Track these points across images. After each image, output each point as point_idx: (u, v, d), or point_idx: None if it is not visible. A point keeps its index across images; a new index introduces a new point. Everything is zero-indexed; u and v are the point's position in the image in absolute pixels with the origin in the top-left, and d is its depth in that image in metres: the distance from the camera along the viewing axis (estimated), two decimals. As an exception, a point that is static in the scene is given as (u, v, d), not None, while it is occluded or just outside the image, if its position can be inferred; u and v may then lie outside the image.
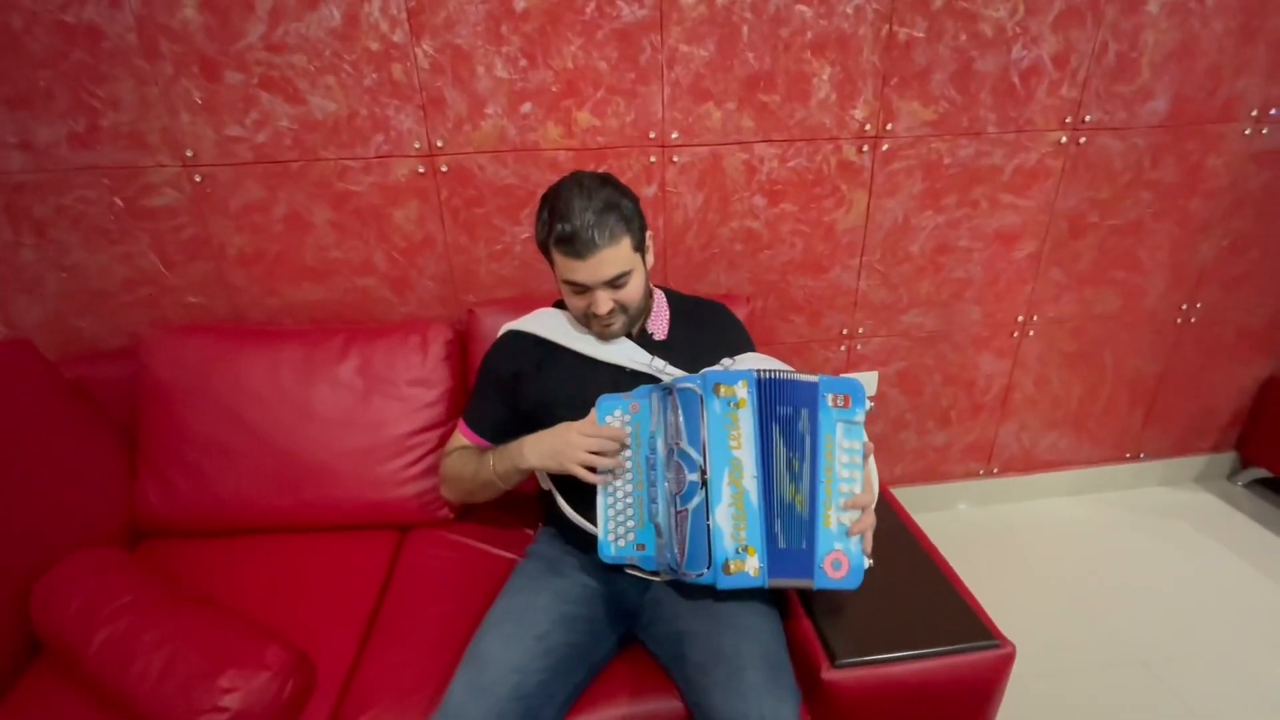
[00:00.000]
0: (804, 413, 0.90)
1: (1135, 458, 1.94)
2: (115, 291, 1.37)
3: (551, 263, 1.01)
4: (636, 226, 0.99)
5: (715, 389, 0.89)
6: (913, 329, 1.66)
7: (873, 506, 0.92)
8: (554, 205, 0.96)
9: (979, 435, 1.83)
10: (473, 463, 1.10)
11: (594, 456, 0.96)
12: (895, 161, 1.46)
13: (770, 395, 0.90)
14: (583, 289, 0.99)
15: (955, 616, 0.97)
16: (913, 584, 1.03)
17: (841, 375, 0.93)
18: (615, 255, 0.96)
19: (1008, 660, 0.93)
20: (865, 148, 1.44)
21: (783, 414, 0.90)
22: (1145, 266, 1.67)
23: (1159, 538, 1.79)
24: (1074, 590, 1.63)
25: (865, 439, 0.92)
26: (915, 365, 1.70)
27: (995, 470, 1.89)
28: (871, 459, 0.95)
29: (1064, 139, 1.49)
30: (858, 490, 0.91)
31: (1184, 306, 1.74)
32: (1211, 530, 1.81)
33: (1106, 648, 1.48)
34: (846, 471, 0.90)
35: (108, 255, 1.34)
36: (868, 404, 0.92)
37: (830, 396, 0.91)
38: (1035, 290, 1.66)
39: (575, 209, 0.94)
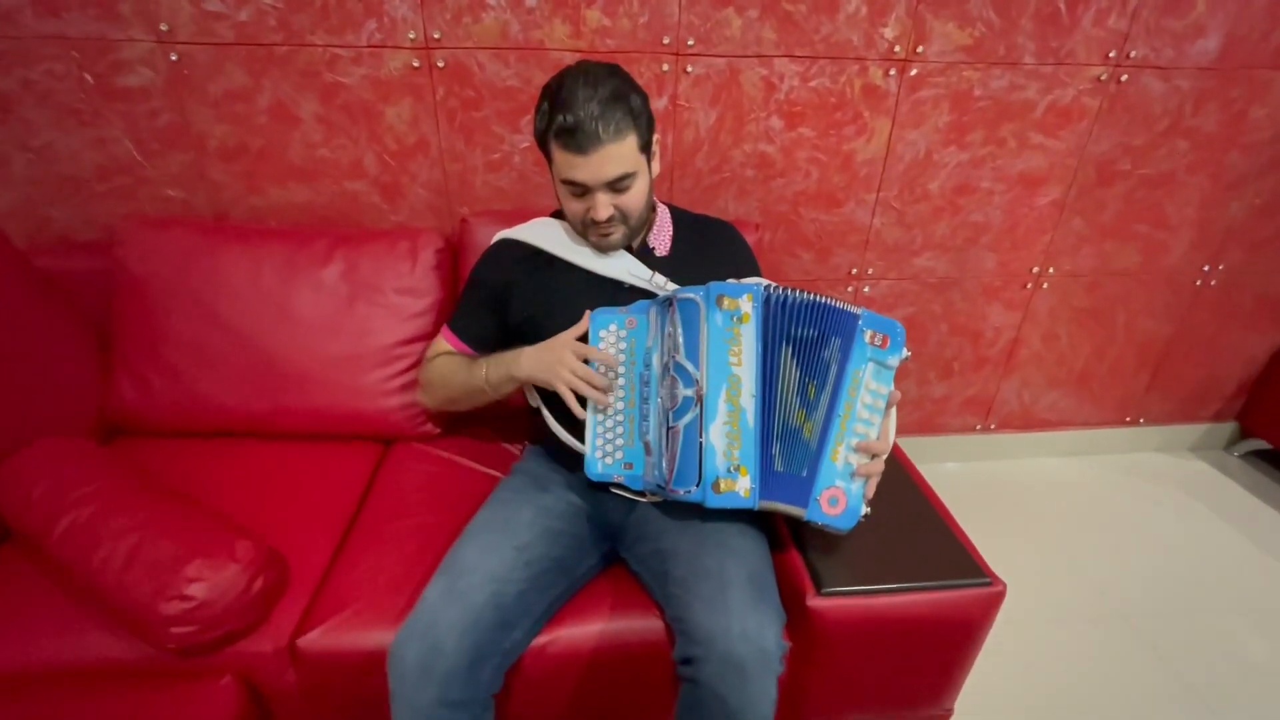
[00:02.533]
0: (834, 341, 0.85)
1: (1135, 422, 1.92)
2: (88, 179, 1.29)
3: (550, 160, 0.94)
4: (644, 124, 0.91)
5: (718, 301, 0.84)
6: (923, 273, 1.59)
7: (884, 457, 0.87)
8: (555, 94, 0.88)
9: (980, 389, 1.80)
10: (463, 370, 1.05)
11: (580, 382, 0.91)
12: (923, 89, 1.37)
13: (782, 313, 0.85)
14: (582, 190, 0.92)
15: (947, 553, 0.95)
16: (905, 520, 1.00)
17: (885, 316, 0.87)
18: (619, 153, 0.88)
19: (997, 598, 0.91)
20: (893, 71, 1.34)
21: (803, 336, 0.85)
22: (1171, 222, 1.60)
23: (1151, 502, 1.78)
24: (1062, 546, 1.62)
25: (893, 388, 0.87)
26: (923, 312, 1.65)
27: (992, 426, 1.87)
28: (894, 411, 0.89)
29: (1104, 76, 1.40)
30: (874, 436, 0.86)
31: (1205, 268, 1.68)
32: (1204, 498, 1.80)
33: (1089, 601, 1.48)
34: (867, 413, 0.85)
35: (79, 138, 1.25)
36: (905, 352, 0.86)
37: (869, 333, 0.85)
38: (1054, 240, 1.59)
39: (579, 99, 0.86)
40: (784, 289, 0.86)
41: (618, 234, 0.98)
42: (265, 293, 1.18)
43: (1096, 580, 1.53)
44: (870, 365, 0.85)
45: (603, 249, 1.01)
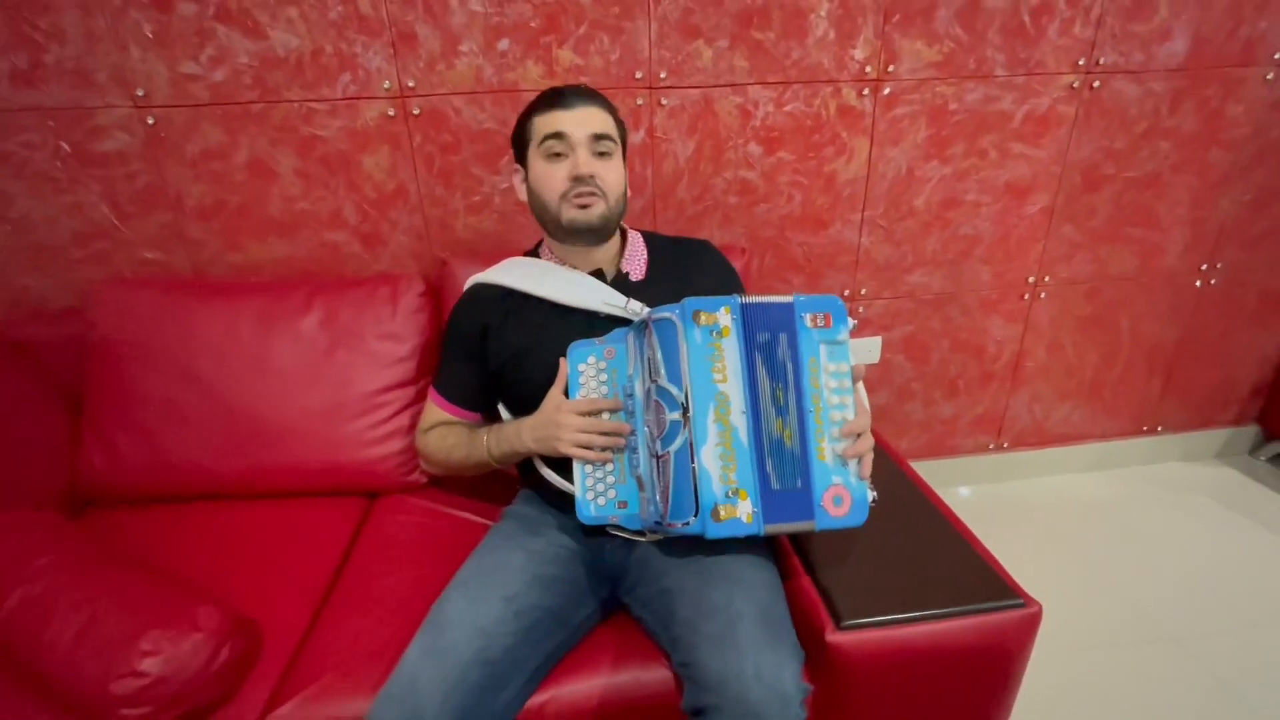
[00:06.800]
0: (782, 338, 0.81)
1: (1153, 431, 1.85)
2: (65, 246, 1.28)
3: (527, 140, 0.97)
4: (617, 119, 0.98)
5: (695, 316, 0.80)
6: (918, 290, 1.56)
7: (869, 430, 0.83)
8: (537, 97, 0.98)
9: (989, 406, 1.74)
10: (463, 445, 1.00)
11: (587, 436, 0.87)
12: (898, 106, 1.37)
13: (753, 321, 0.81)
14: (563, 149, 0.93)
15: (972, 574, 0.87)
16: (922, 540, 0.93)
17: (818, 295, 0.84)
18: (602, 116, 0.94)
19: (1033, 621, 0.83)
20: (866, 91, 1.35)
21: (762, 341, 0.81)
22: (1163, 223, 1.58)
23: (1182, 513, 1.69)
24: (1096, 567, 1.53)
25: (851, 360, 0.83)
26: (921, 330, 1.61)
27: (1006, 444, 1.80)
28: (860, 382, 0.85)
29: (1076, 83, 1.40)
30: (850, 416, 0.81)
31: (1203, 267, 1.64)
32: (1237, 505, 1.71)
33: (1134, 624, 1.38)
34: (836, 398, 0.81)
35: (55, 205, 1.25)
36: (850, 321, 0.83)
37: (809, 316, 0.81)
38: (1047, 248, 1.57)
39: (560, 88, 0.96)
40: (754, 297, 0.82)
41: (598, 207, 0.94)
42: (241, 346, 1.15)
43: (1137, 600, 1.43)
44: (822, 348, 0.81)
45: (579, 225, 0.95)
